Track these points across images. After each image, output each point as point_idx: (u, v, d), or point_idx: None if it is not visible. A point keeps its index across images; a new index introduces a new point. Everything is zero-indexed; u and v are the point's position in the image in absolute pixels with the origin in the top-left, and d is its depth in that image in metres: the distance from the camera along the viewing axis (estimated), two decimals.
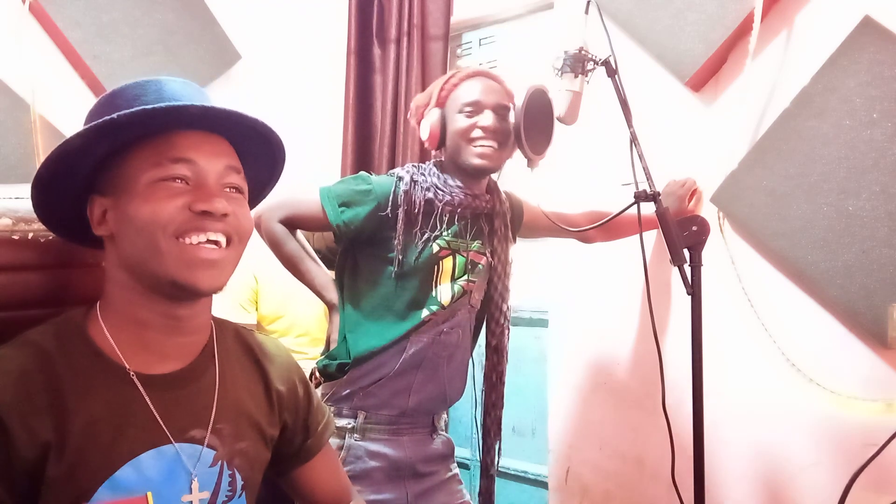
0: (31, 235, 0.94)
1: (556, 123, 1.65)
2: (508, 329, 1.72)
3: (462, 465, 2.65)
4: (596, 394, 2.17)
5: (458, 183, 1.60)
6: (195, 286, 0.85)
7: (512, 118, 1.60)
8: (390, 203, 1.52)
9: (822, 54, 1.69)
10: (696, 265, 1.52)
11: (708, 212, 1.90)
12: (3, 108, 2.18)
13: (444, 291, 1.57)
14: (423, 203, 1.54)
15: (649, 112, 1.94)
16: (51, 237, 0.95)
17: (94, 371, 0.84)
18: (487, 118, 1.55)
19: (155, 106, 0.81)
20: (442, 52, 2.62)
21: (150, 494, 0.83)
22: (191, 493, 0.88)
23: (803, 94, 1.72)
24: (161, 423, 0.86)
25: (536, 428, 2.48)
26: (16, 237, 0.93)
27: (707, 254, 1.54)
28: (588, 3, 1.61)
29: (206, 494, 0.90)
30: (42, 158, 2.34)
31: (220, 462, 0.92)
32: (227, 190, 0.89)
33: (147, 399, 0.86)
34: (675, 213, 1.76)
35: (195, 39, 2.70)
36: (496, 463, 1.75)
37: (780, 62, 1.82)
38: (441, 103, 1.61)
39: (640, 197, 1.53)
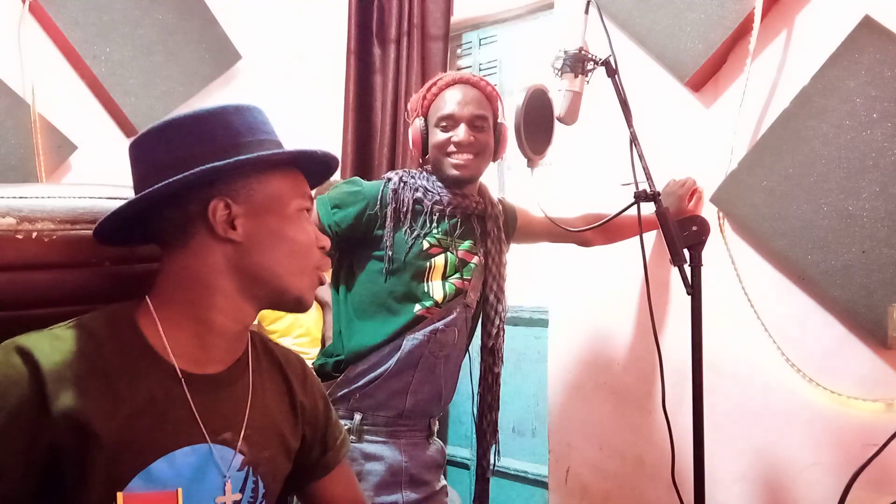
0: (34, 234, 0.94)
1: (556, 123, 1.65)
2: (503, 330, 1.73)
3: (462, 466, 2.66)
4: (596, 394, 2.18)
5: (445, 184, 1.63)
6: (310, 303, 0.99)
7: (491, 125, 1.64)
8: (379, 202, 1.56)
9: (822, 54, 1.70)
10: (696, 265, 1.52)
11: (708, 212, 1.90)
12: (3, 108, 2.18)
13: (436, 288, 1.58)
14: (411, 201, 1.58)
15: (649, 112, 1.95)
16: (55, 236, 0.95)
17: (142, 363, 0.86)
18: (461, 133, 1.58)
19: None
20: (442, 52, 2.62)
21: (180, 490, 0.85)
22: (224, 494, 0.90)
23: (803, 94, 1.72)
24: (200, 421, 0.88)
25: (536, 428, 2.49)
26: (20, 236, 0.93)
27: (707, 254, 1.54)
28: (588, 3, 1.60)
29: (239, 497, 0.92)
30: (42, 158, 2.35)
31: (247, 467, 0.93)
32: None
33: (189, 397, 0.88)
34: (675, 213, 1.76)
35: (195, 39, 2.71)
36: (493, 466, 1.75)
37: (780, 62, 1.82)
38: (424, 112, 1.66)
39: (640, 197, 1.52)
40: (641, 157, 1.54)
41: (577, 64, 1.58)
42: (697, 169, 1.95)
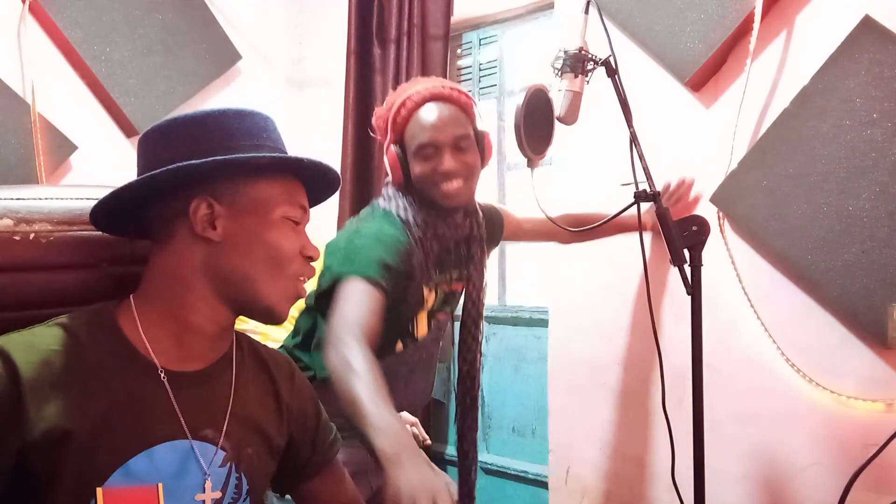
0: (32, 236, 0.94)
1: (556, 123, 1.65)
2: (481, 354, 1.69)
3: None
4: (596, 394, 2.18)
5: (437, 212, 1.51)
6: (282, 316, 0.96)
7: (473, 137, 1.51)
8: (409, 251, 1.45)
9: (822, 54, 1.69)
10: (696, 265, 1.52)
11: (708, 212, 1.90)
12: (3, 108, 2.18)
13: (421, 324, 1.55)
14: (431, 249, 1.50)
15: (649, 112, 1.94)
16: (52, 238, 0.96)
17: (121, 360, 0.87)
18: (447, 161, 1.45)
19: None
20: (442, 52, 2.62)
21: (160, 486, 0.85)
22: (204, 492, 0.90)
23: (803, 94, 1.72)
24: (180, 417, 0.89)
25: (536, 428, 2.49)
26: (17, 238, 0.93)
27: (707, 254, 1.54)
28: (588, 3, 1.60)
29: (219, 494, 0.92)
30: (42, 158, 2.35)
31: (229, 463, 0.94)
32: None
33: (170, 393, 0.89)
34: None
35: (195, 39, 2.71)
36: (475, 488, 1.70)
37: (780, 62, 1.82)
38: (396, 137, 1.51)
39: (640, 197, 1.53)
40: (641, 157, 1.54)
41: (577, 64, 1.58)
42: (697, 169, 1.95)
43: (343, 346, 1.15)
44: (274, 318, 0.95)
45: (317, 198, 1.04)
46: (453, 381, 1.69)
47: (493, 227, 1.72)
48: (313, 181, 1.01)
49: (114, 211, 0.93)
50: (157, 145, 0.93)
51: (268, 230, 0.92)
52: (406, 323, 1.52)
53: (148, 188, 0.89)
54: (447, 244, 1.55)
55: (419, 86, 1.51)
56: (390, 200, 1.52)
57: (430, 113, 1.47)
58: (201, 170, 0.87)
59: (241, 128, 0.93)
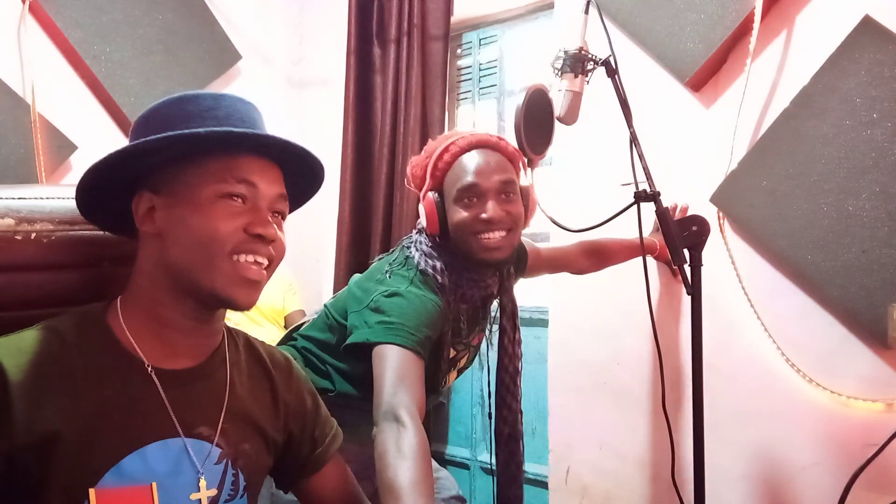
0: (33, 236, 0.94)
1: (556, 123, 1.65)
2: (522, 413, 1.58)
3: (462, 466, 2.66)
4: (596, 394, 2.18)
5: (469, 274, 1.43)
6: (235, 302, 0.89)
7: (518, 189, 1.42)
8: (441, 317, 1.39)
9: (822, 54, 1.70)
10: (696, 265, 1.52)
11: (708, 212, 1.90)
12: (3, 108, 2.18)
13: (449, 380, 1.53)
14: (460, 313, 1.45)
15: (649, 112, 1.95)
16: (53, 237, 0.95)
17: (109, 360, 0.86)
18: (490, 209, 1.34)
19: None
20: (442, 52, 2.62)
21: (154, 485, 0.85)
22: (199, 490, 0.89)
23: (803, 94, 1.72)
24: (172, 416, 0.88)
25: (536, 428, 2.48)
26: (18, 237, 0.93)
27: (707, 254, 1.54)
28: (588, 3, 1.60)
29: (214, 492, 0.91)
30: (42, 158, 2.33)
31: (225, 460, 0.93)
32: (274, 215, 0.93)
33: (161, 391, 0.88)
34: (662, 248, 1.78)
35: (195, 39, 2.71)
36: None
37: (780, 62, 1.82)
38: (437, 185, 1.41)
39: (640, 197, 1.53)
40: (641, 157, 1.54)
41: (577, 64, 1.58)
42: (697, 169, 1.95)
43: (399, 430, 1.09)
44: (226, 305, 0.91)
45: (304, 182, 0.99)
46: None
47: (517, 267, 1.64)
48: (289, 159, 0.94)
49: (98, 212, 0.94)
50: (132, 136, 0.92)
51: (194, 214, 0.86)
52: (433, 383, 1.43)
53: (87, 189, 0.89)
54: (475, 304, 1.50)
55: (464, 133, 1.43)
56: (425, 259, 1.42)
57: (474, 158, 1.38)
58: (110, 165, 0.86)
59: (182, 112, 0.89)
